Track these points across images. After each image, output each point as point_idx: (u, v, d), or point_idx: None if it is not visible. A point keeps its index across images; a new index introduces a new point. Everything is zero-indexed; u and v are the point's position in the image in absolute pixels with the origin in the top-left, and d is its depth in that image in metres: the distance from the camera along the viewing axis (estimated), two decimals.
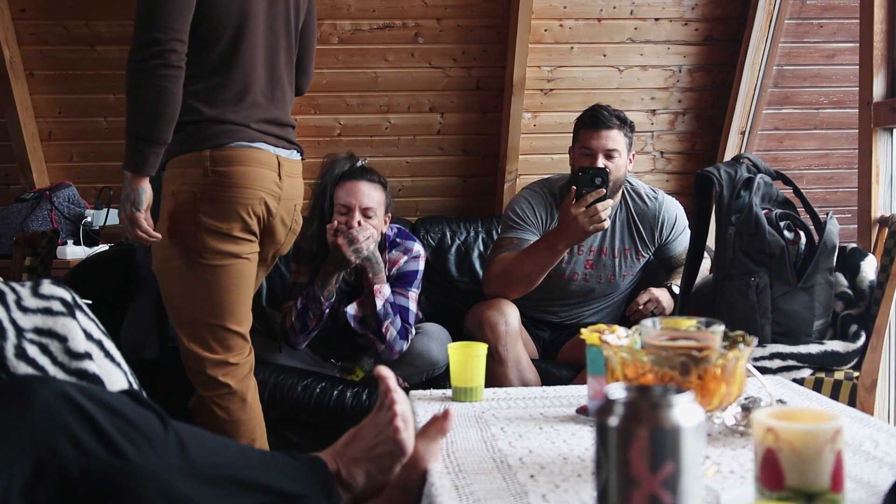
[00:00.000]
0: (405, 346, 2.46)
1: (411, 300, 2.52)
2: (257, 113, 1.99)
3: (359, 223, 2.39)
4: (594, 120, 2.53)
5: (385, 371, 1.29)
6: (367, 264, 2.41)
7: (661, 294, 2.56)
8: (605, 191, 2.29)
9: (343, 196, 2.42)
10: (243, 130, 1.96)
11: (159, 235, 1.93)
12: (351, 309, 2.46)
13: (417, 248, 2.58)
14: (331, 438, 1.37)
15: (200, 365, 1.99)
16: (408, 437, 1.25)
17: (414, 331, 2.50)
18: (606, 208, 2.29)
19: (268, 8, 2.02)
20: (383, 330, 2.42)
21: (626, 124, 2.55)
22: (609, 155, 2.50)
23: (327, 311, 2.46)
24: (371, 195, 2.43)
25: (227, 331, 2.01)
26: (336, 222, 2.39)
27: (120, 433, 1.08)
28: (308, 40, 2.26)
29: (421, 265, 2.57)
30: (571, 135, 2.65)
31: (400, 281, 2.53)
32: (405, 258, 2.55)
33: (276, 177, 2.02)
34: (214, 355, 2.00)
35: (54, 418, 1.05)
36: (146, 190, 1.89)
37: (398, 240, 2.59)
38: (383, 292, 2.43)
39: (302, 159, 2.18)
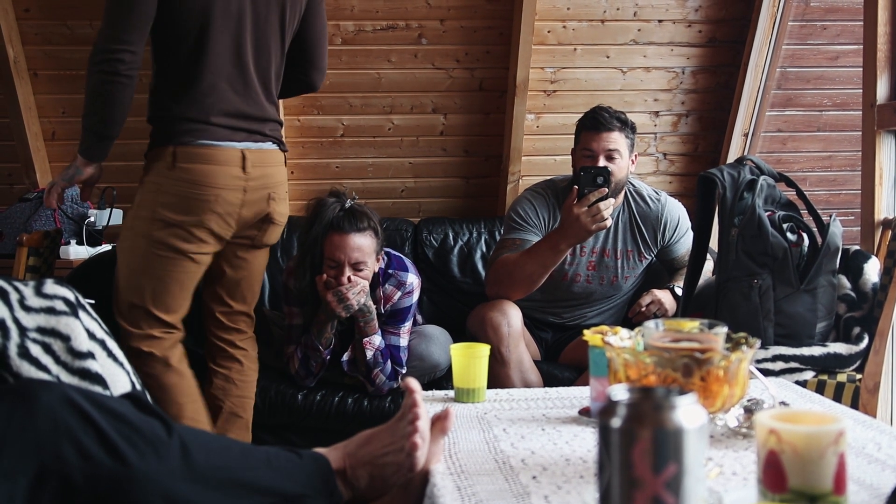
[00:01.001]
0: (395, 385, 2.49)
1: (403, 336, 2.50)
2: (223, 108, 2.09)
3: (349, 278, 2.35)
4: (595, 122, 2.54)
5: (414, 384, 1.29)
6: (359, 314, 2.42)
7: (664, 295, 2.56)
8: (606, 190, 2.30)
9: (332, 250, 2.35)
10: (207, 129, 2.07)
11: (57, 207, 2.27)
12: (346, 355, 2.49)
13: (411, 279, 2.51)
14: (334, 442, 1.36)
15: (126, 338, 2.11)
16: (422, 456, 1.25)
17: (405, 369, 2.50)
18: (608, 207, 2.29)
19: (240, 6, 2.09)
20: (373, 376, 2.47)
21: (626, 126, 2.55)
22: (610, 156, 2.50)
23: (328, 357, 2.49)
24: (361, 247, 2.36)
25: (154, 318, 2.13)
26: (325, 276, 2.37)
27: (123, 438, 1.08)
28: (313, 35, 2.30)
29: (415, 297, 2.52)
30: (574, 136, 2.65)
31: (393, 319, 2.50)
32: (399, 294, 2.49)
33: (239, 171, 2.11)
34: (139, 331, 2.12)
35: (58, 423, 1.05)
36: (82, 172, 2.13)
37: (391, 271, 2.51)
38: (373, 342, 2.44)
39: (284, 151, 2.28)
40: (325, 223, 2.37)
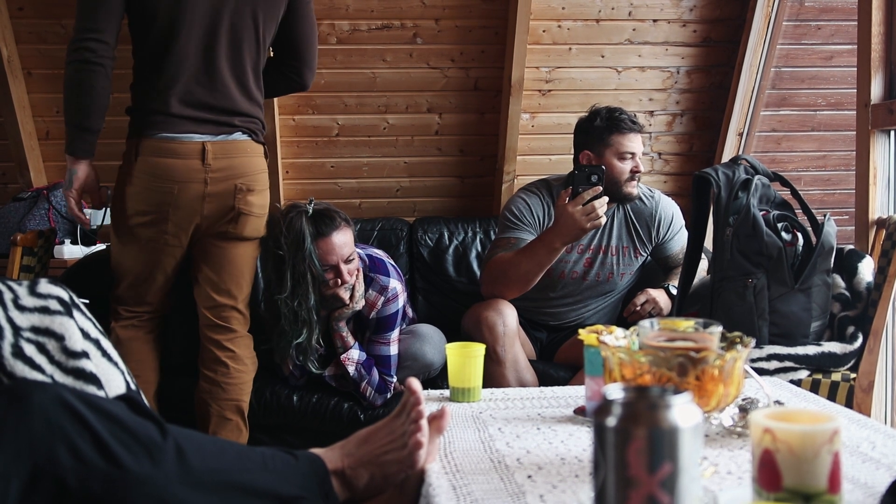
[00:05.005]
0: (388, 396, 2.48)
1: (392, 345, 2.48)
2: (186, 100, 2.15)
3: (348, 273, 2.35)
4: (631, 123, 2.58)
5: (416, 384, 1.29)
6: (336, 331, 2.42)
7: (659, 295, 2.57)
8: (601, 188, 2.30)
9: (324, 257, 2.31)
10: (168, 121, 2.15)
11: (85, 218, 2.28)
12: (328, 371, 2.49)
13: (394, 284, 2.47)
14: (331, 442, 1.36)
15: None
16: (423, 454, 1.25)
17: (395, 378, 2.49)
18: (603, 205, 2.30)
19: (212, 2, 2.13)
20: (361, 390, 2.46)
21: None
22: (636, 157, 2.58)
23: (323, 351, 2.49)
24: (345, 242, 2.34)
25: (127, 308, 2.30)
26: (331, 283, 2.34)
27: (117, 441, 1.08)
28: (300, 35, 2.32)
29: (401, 302, 2.49)
30: (593, 138, 2.59)
31: (380, 328, 2.47)
32: (382, 300, 2.45)
33: (199, 163, 2.16)
34: (117, 316, 2.31)
35: (52, 425, 1.04)
36: (77, 171, 2.19)
37: (371, 274, 2.47)
38: (352, 357, 2.43)
39: (260, 143, 2.30)
40: (306, 239, 2.29)
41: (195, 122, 2.17)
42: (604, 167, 2.36)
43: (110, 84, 2.14)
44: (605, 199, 2.32)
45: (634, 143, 2.57)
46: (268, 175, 2.35)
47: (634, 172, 2.57)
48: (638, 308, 2.54)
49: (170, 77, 2.15)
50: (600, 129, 2.59)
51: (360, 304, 2.41)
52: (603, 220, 2.31)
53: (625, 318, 2.59)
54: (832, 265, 2.26)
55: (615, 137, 2.56)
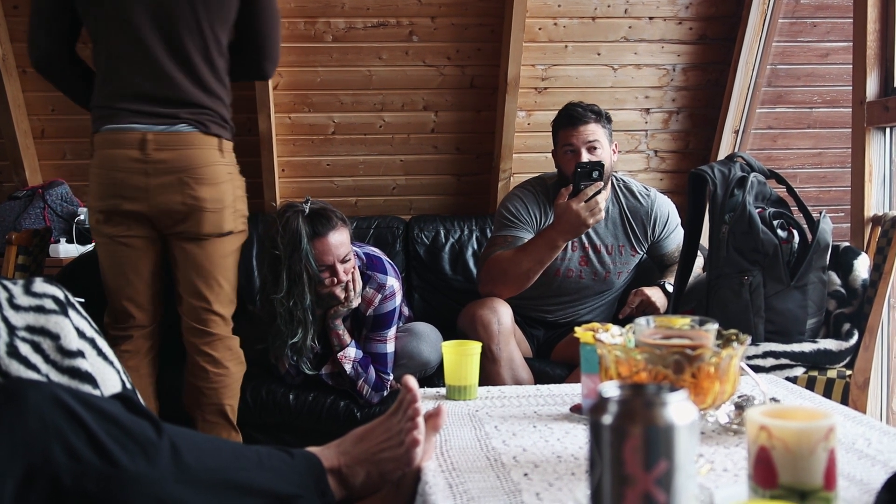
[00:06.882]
0: (385, 394, 2.48)
1: (389, 342, 2.48)
2: (125, 92, 2.17)
3: (344, 272, 2.35)
4: (570, 118, 2.56)
5: (412, 382, 1.29)
6: (332, 329, 2.42)
7: (654, 293, 2.56)
8: (602, 183, 2.33)
9: (320, 257, 2.31)
10: (111, 114, 2.18)
11: None
12: (324, 369, 2.49)
13: (391, 282, 2.46)
14: (327, 441, 1.36)
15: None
16: (420, 451, 1.25)
17: (392, 376, 2.49)
18: (603, 200, 2.33)
19: (153, 7, 2.13)
20: (358, 388, 2.45)
21: (601, 116, 2.57)
22: (592, 147, 2.52)
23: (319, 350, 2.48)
24: (342, 242, 2.33)
25: (114, 308, 2.28)
26: (327, 282, 2.34)
27: (113, 440, 1.07)
28: (258, 26, 2.28)
29: (397, 300, 2.48)
30: (552, 138, 2.66)
31: (377, 325, 2.47)
32: (379, 297, 2.45)
33: (138, 153, 2.15)
34: (110, 320, 2.29)
35: (47, 423, 1.04)
36: None
37: (369, 272, 2.47)
38: (349, 355, 2.43)
39: (213, 135, 2.23)
40: (302, 239, 2.28)
41: (136, 113, 2.16)
42: (603, 162, 2.38)
43: (73, 75, 2.28)
44: (604, 193, 2.34)
45: (578, 135, 2.52)
46: (226, 168, 2.26)
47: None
48: (632, 309, 2.53)
49: (111, 70, 2.19)
50: (554, 128, 2.64)
51: (356, 301, 2.41)
52: (603, 214, 2.33)
53: (620, 319, 2.58)
54: (828, 262, 2.26)
55: (560, 133, 2.59)
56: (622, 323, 1.40)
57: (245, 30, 2.29)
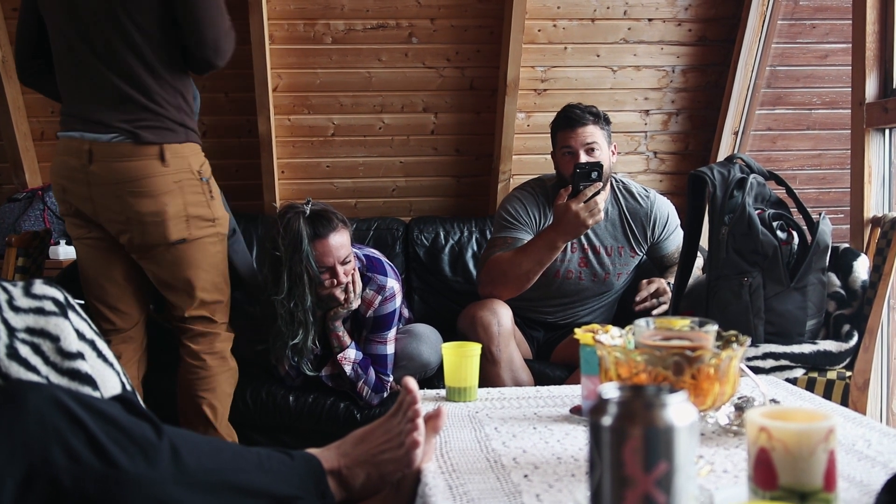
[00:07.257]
0: (385, 395, 2.48)
1: (389, 344, 2.48)
2: (70, 100, 2.21)
3: (344, 273, 2.35)
4: (568, 119, 2.56)
5: (412, 384, 1.29)
6: (332, 331, 2.42)
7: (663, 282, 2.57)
8: (601, 184, 2.34)
9: (320, 258, 2.30)
10: (63, 120, 2.22)
11: None
12: (324, 371, 2.49)
13: (391, 284, 2.46)
14: (327, 443, 1.36)
15: None
16: (420, 453, 1.25)
17: (392, 378, 2.49)
18: (602, 201, 2.34)
19: (72, 10, 2.11)
20: (358, 390, 2.46)
21: (599, 118, 2.58)
22: (590, 149, 2.53)
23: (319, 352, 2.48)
24: (342, 244, 2.33)
25: (92, 309, 2.26)
26: (327, 283, 2.34)
27: (113, 441, 1.07)
28: (191, 16, 2.10)
29: (397, 302, 2.48)
30: (550, 140, 2.67)
31: (377, 327, 2.47)
32: (379, 299, 2.45)
33: (78, 162, 2.14)
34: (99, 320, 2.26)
35: (46, 425, 1.04)
36: None
37: (369, 273, 2.47)
38: (349, 357, 2.43)
39: (146, 143, 2.11)
40: (303, 241, 2.28)
41: (79, 120, 2.17)
42: (601, 163, 2.39)
43: (49, 83, 2.29)
44: (604, 194, 2.35)
45: (576, 137, 2.53)
46: (171, 178, 2.15)
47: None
48: (649, 295, 2.51)
49: (61, 78, 2.22)
50: (552, 130, 2.64)
51: (355, 303, 2.41)
52: (602, 215, 2.33)
53: (634, 311, 2.54)
54: (827, 264, 2.26)
55: (559, 135, 2.60)
56: (622, 324, 1.40)
57: (180, 17, 2.13)
